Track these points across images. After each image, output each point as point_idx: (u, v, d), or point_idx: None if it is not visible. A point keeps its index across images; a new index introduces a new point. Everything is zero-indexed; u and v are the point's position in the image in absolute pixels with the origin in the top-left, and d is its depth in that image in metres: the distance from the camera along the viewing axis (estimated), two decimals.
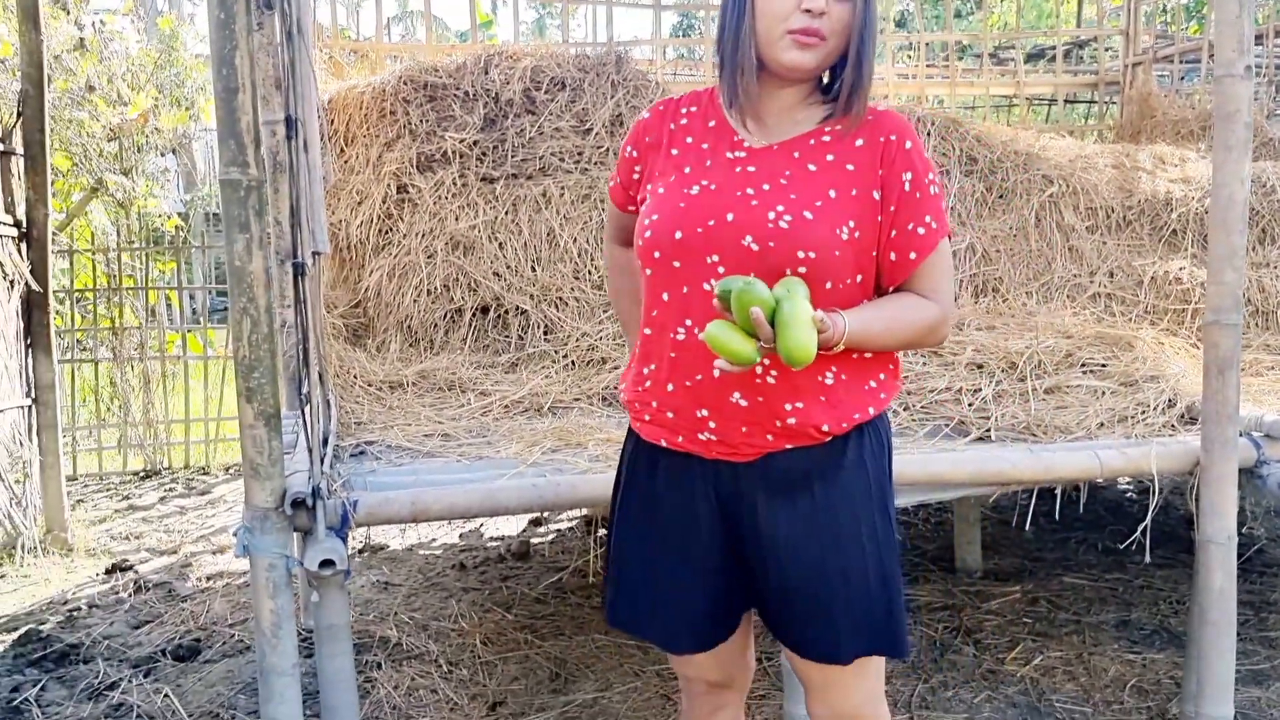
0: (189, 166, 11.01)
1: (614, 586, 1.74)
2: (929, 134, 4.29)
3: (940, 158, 4.25)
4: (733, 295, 1.40)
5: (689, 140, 1.65)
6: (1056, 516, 3.03)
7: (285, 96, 2.18)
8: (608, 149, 4.01)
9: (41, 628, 3.57)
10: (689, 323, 1.54)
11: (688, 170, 1.61)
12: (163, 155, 7.39)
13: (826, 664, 1.62)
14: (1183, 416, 2.90)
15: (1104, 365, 3.21)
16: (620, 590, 1.73)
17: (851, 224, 1.52)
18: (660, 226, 1.57)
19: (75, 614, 3.73)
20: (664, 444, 1.63)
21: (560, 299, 3.67)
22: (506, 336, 3.65)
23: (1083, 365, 3.22)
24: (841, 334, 1.46)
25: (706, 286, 1.51)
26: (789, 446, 1.56)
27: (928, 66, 6.58)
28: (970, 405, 2.95)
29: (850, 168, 1.55)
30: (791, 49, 1.52)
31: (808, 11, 1.50)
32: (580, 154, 4.00)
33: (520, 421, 2.98)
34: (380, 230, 3.89)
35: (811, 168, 1.56)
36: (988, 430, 2.81)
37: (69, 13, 5.55)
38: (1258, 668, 3.18)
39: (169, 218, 6.78)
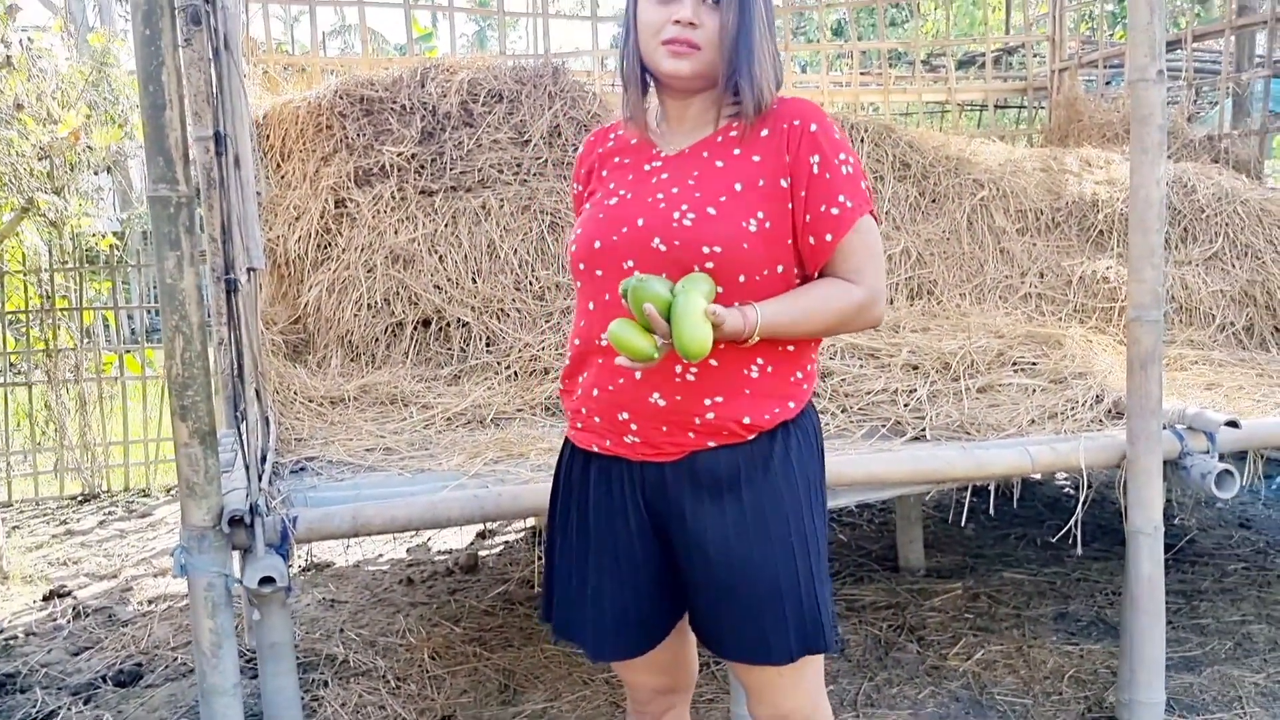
0: (124, 185, 10.83)
1: (547, 592, 1.77)
2: (863, 140, 4.36)
3: (874, 164, 4.33)
4: (629, 293, 1.44)
5: (616, 160, 1.72)
6: (992, 512, 3.10)
7: (214, 112, 2.17)
8: (546, 160, 4.02)
9: None
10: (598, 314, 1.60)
11: (611, 186, 1.68)
12: (96, 173, 7.26)
13: (760, 665, 1.64)
14: (1110, 411, 2.98)
15: (1034, 364, 3.29)
16: (553, 596, 1.75)
17: (760, 215, 1.55)
18: (582, 239, 1.64)
19: (11, 642, 3.65)
20: (594, 449, 1.66)
21: (502, 310, 3.68)
22: (448, 349, 3.64)
23: (1014, 364, 3.30)
24: (754, 325, 1.49)
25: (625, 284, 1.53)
26: (712, 444, 1.58)
27: (862, 74, 6.69)
28: (906, 406, 3.01)
29: (756, 159, 1.58)
30: (667, 59, 1.57)
31: (677, 23, 1.55)
32: (519, 165, 4.01)
33: (463, 433, 2.99)
34: (319, 245, 3.87)
35: (719, 164, 1.60)
36: (923, 430, 2.87)
37: None
38: (1190, 654, 3.28)
39: (103, 237, 6.66)
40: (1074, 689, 3.06)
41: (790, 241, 1.58)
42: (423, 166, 3.98)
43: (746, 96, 1.57)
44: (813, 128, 1.57)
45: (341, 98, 4.11)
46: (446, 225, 3.82)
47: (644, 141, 1.69)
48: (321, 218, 3.87)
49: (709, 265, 1.52)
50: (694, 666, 1.90)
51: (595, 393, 1.62)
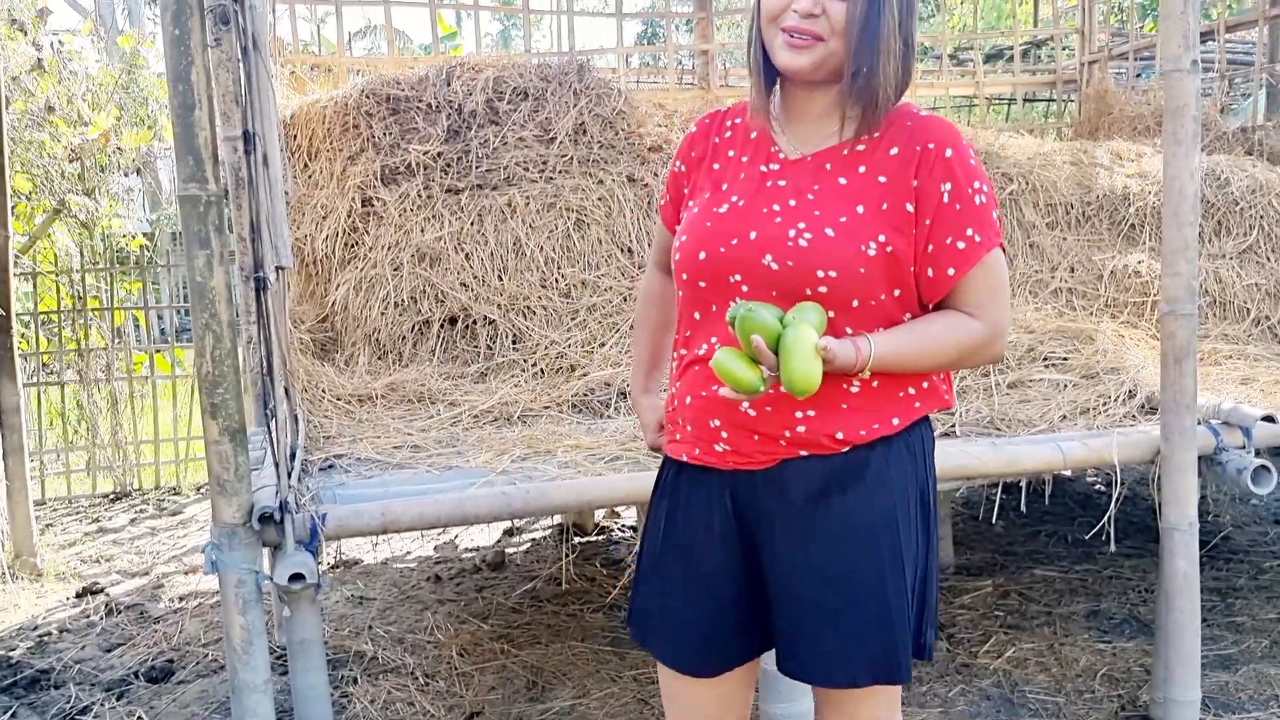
0: (154, 185, 10.93)
1: (634, 600, 1.70)
2: None
3: None
4: (736, 322, 1.37)
5: (730, 154, 1.61)
6: (1023, 509, 3.07)
7: (243, 112, 2.18)
8: (571, 157, 4.02)
9: (11, 654, 3.53)
10: (714, 340, 1.51)
11: (724, 186, 1.57)
12: (126, 175, 7.34)
13: (836, 688, 1.56)
14: (1143, 406, 2.95)
15: (1065, 359, 3.26)
16: (637, 605, 1.69)
17: (881, 238, 1.44)
18: (688, 247, 1.54)
19: (46, 639, 3.69)
20: (685, 458, 1.60)
21: (528, 308, 3.68)
22: (475, 347, 3.65)
23: (1045, 359, 3.26)
24: (866, 359, 1.41)
25: (733, 304, 1.46)
26: (804, 453, 1.50)
27: None
28: None
29: (882, 179, 1.47)
30: (783, 50, 1.47)
31: (798, 11, 1.44)
32: (544, 163, 4.01)
33: (489, 431, 2.99)
34: (346, 244, 3.88)
35: (842, 181, 1.49)
36: (953, 426, 2.85)
37: (26, 34, 5.51)
38: (1225, 652, 3.23)
39: (134, 237, 6.73)
40: (1107, 687, 3.02)
41: (911, 269, 1.48)
42: (448, 165, 3.99)
43: (865, 98, 1.46)
44: (948, 153, 1.46)
45: (368, 97, 4.12)
46: (472, 223, 3.83)
47: (764, 137, 1.58)
48: (349, 216, 3.88)
49: (822, 290, 1.43)
50: (747, 712, 1.76)
51: (688, 400, 1.56)
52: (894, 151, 1.48)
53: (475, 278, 3.73)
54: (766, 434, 1.50)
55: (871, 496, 1.50)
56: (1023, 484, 2.88)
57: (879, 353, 1.42)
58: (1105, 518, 2.79)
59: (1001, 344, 1.52)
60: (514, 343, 3.62)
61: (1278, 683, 3.01)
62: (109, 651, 3.55)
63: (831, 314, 1.44)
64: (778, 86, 1.57)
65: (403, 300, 3.69)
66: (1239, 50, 6.66)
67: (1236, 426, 2.72)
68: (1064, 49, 6.70)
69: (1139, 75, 6.10)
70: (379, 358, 3.65)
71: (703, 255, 1.51)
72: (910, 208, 1.46)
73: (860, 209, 1.46)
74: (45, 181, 5.88)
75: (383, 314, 3.68)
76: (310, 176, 4.12)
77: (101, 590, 4.22)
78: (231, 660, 2.04)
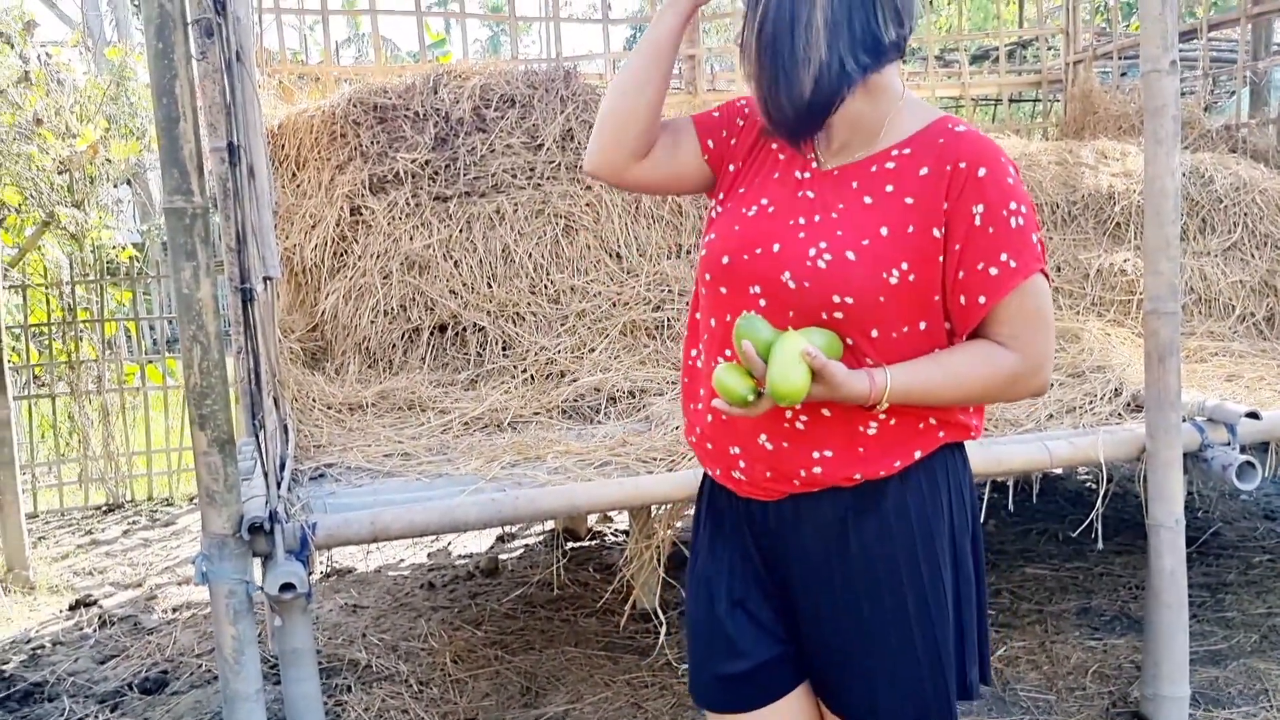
0: (143, 196, 10.92)
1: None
2: None
3: None
4: (734, 331, 1.35)
5: (774, 146, 1.52)
6: (1012, 508, 3.09)
7: (228, 124, 2.19)
8: (559, 164, 4.03)
9: (4, 667, 3.53)
10: (729, 353, 1.42)
11: (757, 182, 1.50)
12: (116, 186, 7.33)
13: None
14: (1129, 404, 2.97)
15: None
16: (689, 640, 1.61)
17: (904, 266, 1.35)
18: (714, 247, 1.47)
19: (39, 652, 3.69)
20: (707, 473, 1.58)
21: (517, 314, 3.69)
22: (465, 354, 3.66)
23: None
24: (882, 390, 1.33)
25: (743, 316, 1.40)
26: (817, 490, 1.44)
27: None
28: None
29: (909, 201, 1.37)
30: None
31: None
32: (532, 170, 4.03)
33: (480, 438, 3.00)
34: (335, 253, 3.89)
35: (867, 200, 1.40)
36: None
37: (13, 46, 5.50)
38: (1215, 648, 3.25)
39: (123, 249, 6.72)
40: (1098, 684, 3.04)
41: (937, 298, 1.38)
42: (436, 173, 4.00)
43: (793, 111, 1.37)
44: (980, 172, 1.34)
45: (355, 106, 4.13)
46: (461, 230, 3.84)
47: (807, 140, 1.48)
48: (337, 225, 3.89)
49: (838, 315, 1.35)
50: None
51: (709, 418, 1.50)
52: (924, 171, 1.38)
53: (464, 285, 3.74)
54: (781, 471, 1.43)
55: (890, 530, 1.42)
56: (1011, 483, 2.89)
57: (896, 384, 1.33)
58: (1093, 515, 2.81)
59: (1043, 377, 1.40)
60: (504, 349, 3.63)
61: (1267, 677, 3.03)
62: (102, 663, 3.55)
63: (850, 341, 1.37)
64: None
65: (392, 308, 3.70)
66: (1222, 49, 6.69)
67: (1221, 423, 2.74)
68: (1049, 49, 6.73)
69: (1123, 75, 6.12)
70: (369, 366, 3.66)
71: (726, 259, 1.44)
72: (938, 233, 1.36)
73: (884, 231, 1.36)
74: (34, 194, 5.87)
75: (372, 322, 3.69)
76: (298, 186, 4.13)
77: (94, 602, 4.22)
78: (223, 670, 2.05)
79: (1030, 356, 1.37)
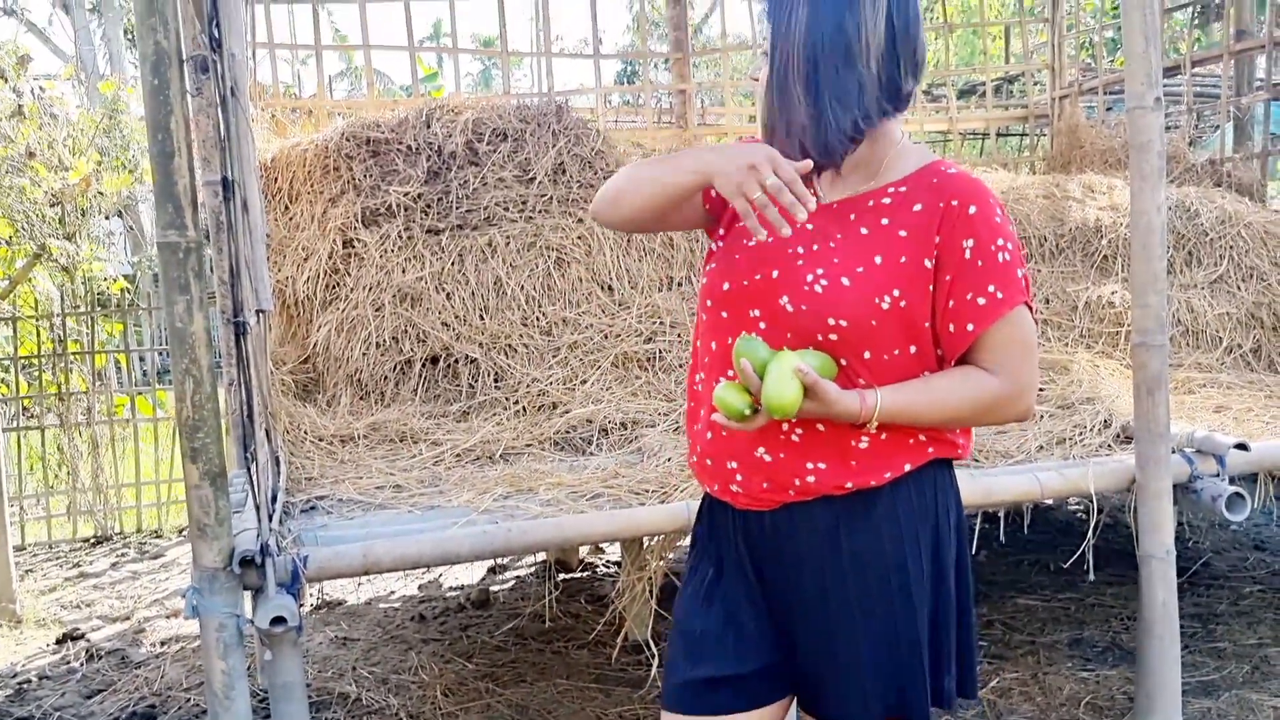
0: (135, 229, 10.94)
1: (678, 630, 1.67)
2: None
3: None
4: (733, 350, 1.44)
5: None
6: (1003, 539, 3.09)
7: (222, 158, 2.20)
8: (551, 197, 4.06)
9: None
10: (732, 374, 1.48)
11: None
12: (108, 218, 7.34)
13: None
14: (1118, 436, 2.98)
15: (1042, 389, 3.29)
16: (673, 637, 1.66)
17: (896, 293, 1.45)
18: (714, 275, 1.57)
19: (25, 686, 3.65)
20: (706, 488, 1.64)
21: (509, 346, 3.70)
22: (457, 386, 3.66)
23: None
24: (872, 410, 1.42)
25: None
26: (809, 499, 1.51)
27: None
28: None
29: (903, 234, 1.47)
30: None
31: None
32: (524, 203, 4.05)
33: (472, 470, 3.00)
34: (327, 285, 3.90)
35: (863, 231, 1.50)
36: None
37: (6, 80, 5.53)
38: (1207, 679, 3.25)
39: (115, 280, 6.72)
40: (1091, 715, 3.04)
41: (927, 325, 1.48)
42: (429, 206, 4.03)
43: (815, 144, 1.47)
44: (971, 209, 1.45)
45: (348, 139, 4.16)
46: (453, 263, 3.86)
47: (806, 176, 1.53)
48: (330, 258, 3.90)
49: (833, 337, 1.44)
50: None
51: (709, 435, 1.57)
52: (918, 208, 1.48)
53: (456, 317, 3.75)
54: (776, 481, 1.51)
55: (879, 536, 1.50)
56: (1001, 514, 2.90)
57: (886, 404, 1.43)
58: (1084, 546, 2.81)
59: (1025, 402, 1.50)
60: (495, 381, 3.63)
61: (1259, 709, 3.02)
62: (89, 698, 3.51)
63: (844, 362, 1.46)
64: None
65: (384, 340, 3.70)
66: (1206, 84, 6.78)
67: (1210, 454, 2.75)
68: (1035, 84, 6.82)
69: (1109, 109, 6.20)
70: (361, 398, 3.66)
71: (726, 286, 1.54)
72: (929, 264, 1.46)
73: (879, 259, 1.46)
74: (26, 226, 5.88)
75: (364, 354, 3.69)
76: (291, 219, 4.14)
77: (82, 636, 4.18)
78: (213, 705, 2.03)
79: (1014, 382, 1.47)
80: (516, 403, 3.51)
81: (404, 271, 3.82)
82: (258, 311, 2.45)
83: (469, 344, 3.69)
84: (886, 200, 1.51)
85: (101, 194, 5.82)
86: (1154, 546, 2.65)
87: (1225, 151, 5.50)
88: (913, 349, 1.48)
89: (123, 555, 5.67)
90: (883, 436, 1.48)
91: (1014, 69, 7.35)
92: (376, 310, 3.75)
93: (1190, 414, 3.25)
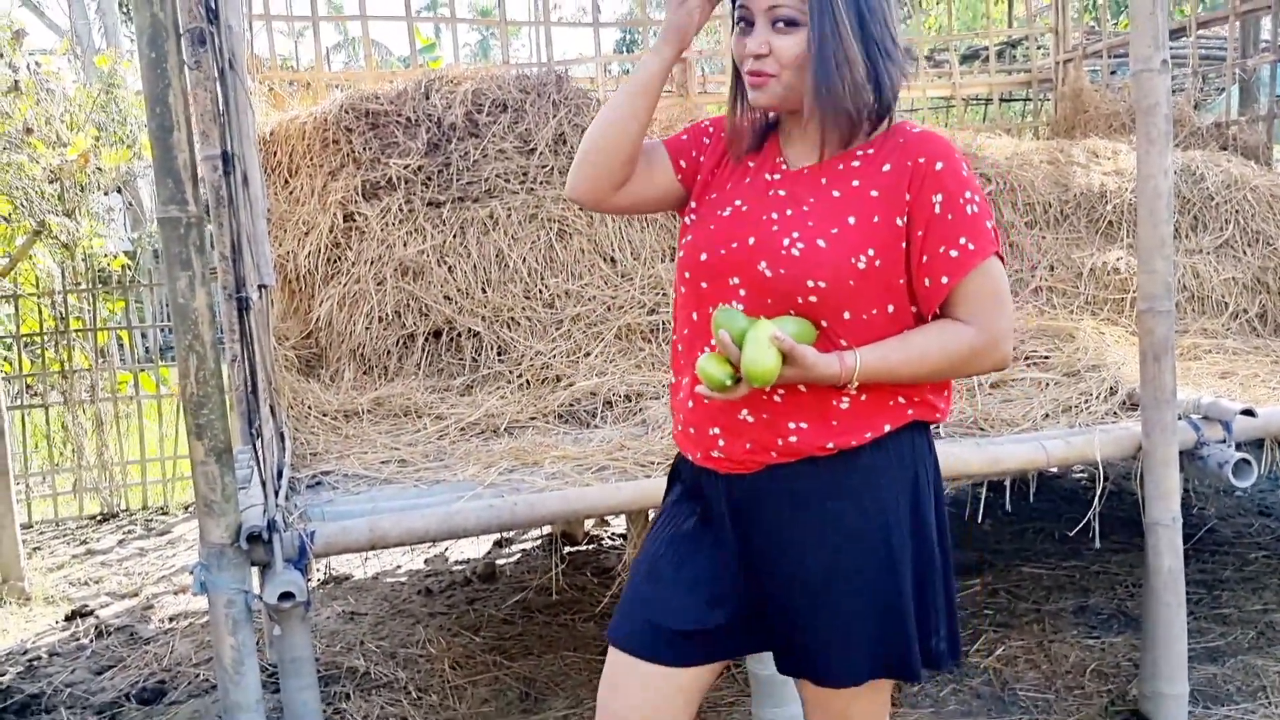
0: (135, 204, 10.90)
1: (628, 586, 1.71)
2: None
3: None
4: (712, 321, 1.47)
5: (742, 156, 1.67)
6: (1009, 507, 3.09)
7: (221, 132, 2.18)
8: (552, 168, 4.03)
9: (1, 679, 3.51)
10: (714, 342, 1.50)
11: (729, 187, 1.63)
12: (106, 194, 7.31)
13: (819, 685, 1.58)
14: (1124, 403, 2.97)
15: (1047, 357, 3.29)
16: (629, 587, 1.69)
17: (871, 252, 1.49)
18: (690, 248, 1.61)
19: (35, 663, 3.67)
20: (691, 458, 1.65)
21: (512, 319, 3.68)
22: (460, 359, 3.65)
23: (1026, 358, 3.29)
24: (852, 370, 1.45)
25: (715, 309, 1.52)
26: (792, 460, 1.54)
27: None
28: None
29: (874, 194, 1.52)
30: (750, 91, 1.56)
31: (750, 54, 1.53)
32: (525, 174, 4.02)
33: (477, 443, 3.00)
34: (328, 260, 3.88)
35: (835, 194, 1.54)
36: (936, 427, 2.86)
37: (2, 55, 5.49)
38: (1213, 645, 3.26)
39: (115, 257, 6.70)
40: (1096, 682, 3.05)
41: (901, 281, 1.52)
42: (429, 178, 4.00)
43: (836, 113, 1.51)
44: (938, 165, 1.50)
45: (347, 112, 4.12)
46: (455, 236, 3.84)
47: (772, 147, 1.64)
48: (330, 232, 3.88)
49: (812, 299, 1.48)
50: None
51: (691, 404, 1.60)
52: (886, 168, 1.53)
53: (459, 290, 3.73)
54: (759, 441, 1.54)
55: (860, 497, 1.53)
56: (1007, 482, 2.90)
57: (866, 364, 1.46)
58: (1090, 514, 2.82)
59: (1002, 351, 1.53)
60: (499, 354, 3.62)
61: (1265, 674, 3.03)
62: (99, 674, 3.54)
63: (825, 324, 1.49)
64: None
65: (387, 315, 3.69)
66: (1212, 46, 6.72)
67: (1216, 421, 2.75)
68: (1039, 48, 6.75)
69: (1113, 73, 6.15)
70: (364, 373, 3.66)
71: (704, 256, 1.57)
72: (901, 222, 1.50)
73: (852, 220, 1.50)
74: (25, 203, 5.86)
75: (367, 329, 3.68)
76: (291, 193, 4.12)
77: (90, 613, 4.20)
78: (223, 680, 2.04)
79: (989, 331, 1.51)
80: (520, 376, 3.50)
81: (405, 245, 3.80)
82: (260, 286, 2.44)
83: (472, 317, 3.68)
84: (855, 163, 1.55)
85: (100, 169, 5.80)
86: (1160, 513, 2.65)
87: (1231, 114, 5.46)
88: (890, 308, 1.52)
89: (129, 532, 5.69)
90: (863, 398, 1.51)
91: (1017, 33, 7.27)
92: (378, 284, 3.73)
93: (1196, 380, 3.24)
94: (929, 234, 1.49)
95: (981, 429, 2.84)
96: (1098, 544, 2.81)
